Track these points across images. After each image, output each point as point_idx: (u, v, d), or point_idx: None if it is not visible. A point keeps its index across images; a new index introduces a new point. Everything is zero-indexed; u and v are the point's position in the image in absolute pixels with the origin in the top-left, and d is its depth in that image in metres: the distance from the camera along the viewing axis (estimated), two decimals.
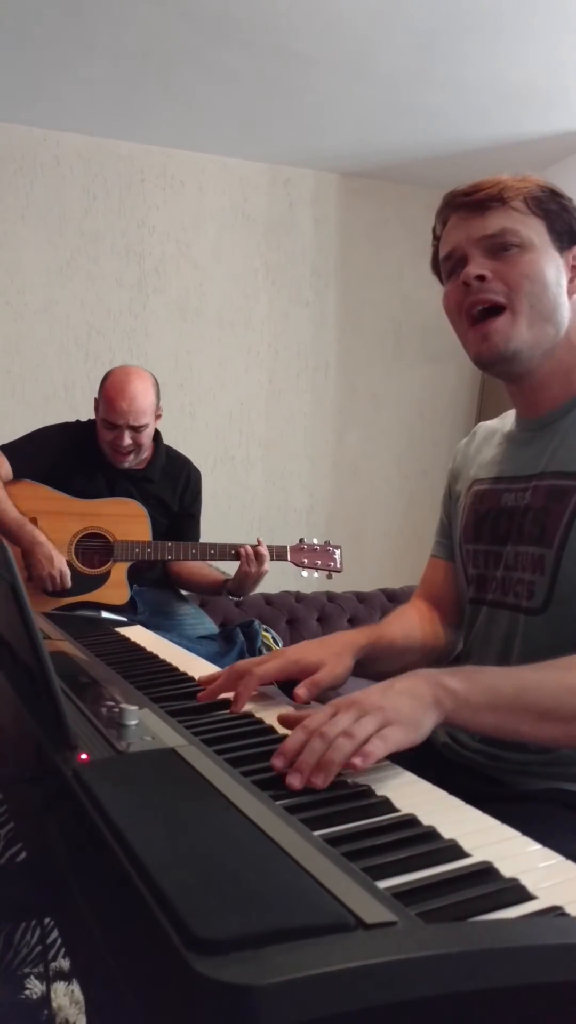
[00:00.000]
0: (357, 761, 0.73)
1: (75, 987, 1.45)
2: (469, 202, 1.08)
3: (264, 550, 2.35)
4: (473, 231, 1.07)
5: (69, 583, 2.30)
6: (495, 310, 1.05)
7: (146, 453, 2.46)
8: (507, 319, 1.05)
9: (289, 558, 2.46)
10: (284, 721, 0.90)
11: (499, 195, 1.06)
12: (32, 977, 1.46)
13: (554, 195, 1.08)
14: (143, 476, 2.47)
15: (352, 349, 3.82)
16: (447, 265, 1.12)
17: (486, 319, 1.06)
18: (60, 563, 2.29)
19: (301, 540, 2.51)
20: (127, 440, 2.33)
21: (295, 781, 0.73)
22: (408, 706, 0.80)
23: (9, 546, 2.30)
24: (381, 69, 2.80)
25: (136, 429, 2.34)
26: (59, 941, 1.34)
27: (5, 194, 3.28)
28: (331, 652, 1.04)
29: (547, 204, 1.07)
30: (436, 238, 1.15)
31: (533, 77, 2.84)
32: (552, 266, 1.06)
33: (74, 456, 2.42)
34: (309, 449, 3.80)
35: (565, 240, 1.08)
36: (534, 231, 1.05)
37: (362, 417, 3.87)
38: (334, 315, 3.79)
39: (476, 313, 1.07)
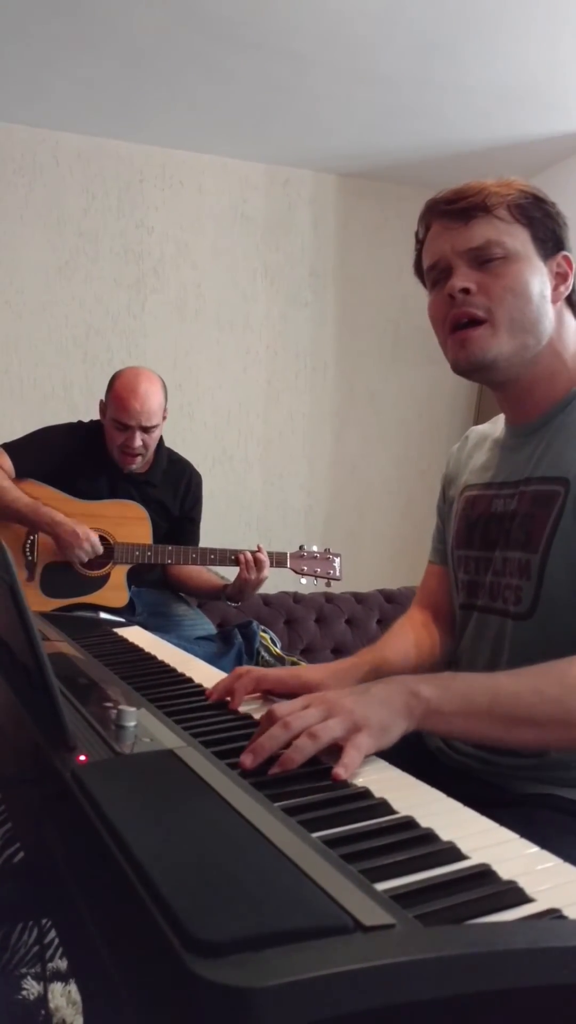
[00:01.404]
0: (340, 771, 0.75)
1: (72, 987, 1.45)
2: (452, 210, 1.07)
3: (264, 557, 2.35)
4: (457, 242, 1.06)
5: (100, 548, 2.31)
6: (477, 321, 1.06)
7: (150, 456, 2.46)
8: (487, 330, 1.05)
9: (289, 565, 2.46)
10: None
11: (483, 203, 1.05)
12: (29, 977, 1.46)
13: (538, 201, 1.07)
14: (145, 480, 2.46)
15: (350, 350, 3.82)
16: (431, 275, 1.12)
17: (466, 327, 1.06)
18: (85, 533, 2.28)
19: (301, 547, 2.50)
20: (138, 441, 2.33)
21: (247, 760, 0.76)
22: (377, 712, 0.82)
23: (14, 547, 2.31)
24: (381, 70, 2.80)
25: (147, 430, 2.33)
26: (56, 941, 1.34)
27: (4, 194, 3.28)
28: (333, 676, 1.06)
29: (531, 212, 1.06)
30: (419, 242, 1.15)
31: (533, 78, 2.84)
32: (536, 276, 1.05)
33: (77, 457, 2.42)
34: (307, 449, 3.80)
35: (549, 248, 1.07)
36: (519, 240, 1.05)
37: (360, 418, 3.88)
38: (333, 316, 3.79)
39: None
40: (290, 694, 1.02)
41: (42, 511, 2.28)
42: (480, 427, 1.30)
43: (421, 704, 0.84)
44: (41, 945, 1.41)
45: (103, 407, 2.40)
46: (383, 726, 0.81)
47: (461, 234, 1.06)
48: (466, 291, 1.05)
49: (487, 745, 0.96)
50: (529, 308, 1.05)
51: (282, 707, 0.83)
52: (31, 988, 1.45)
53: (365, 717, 0.80)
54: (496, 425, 1.24)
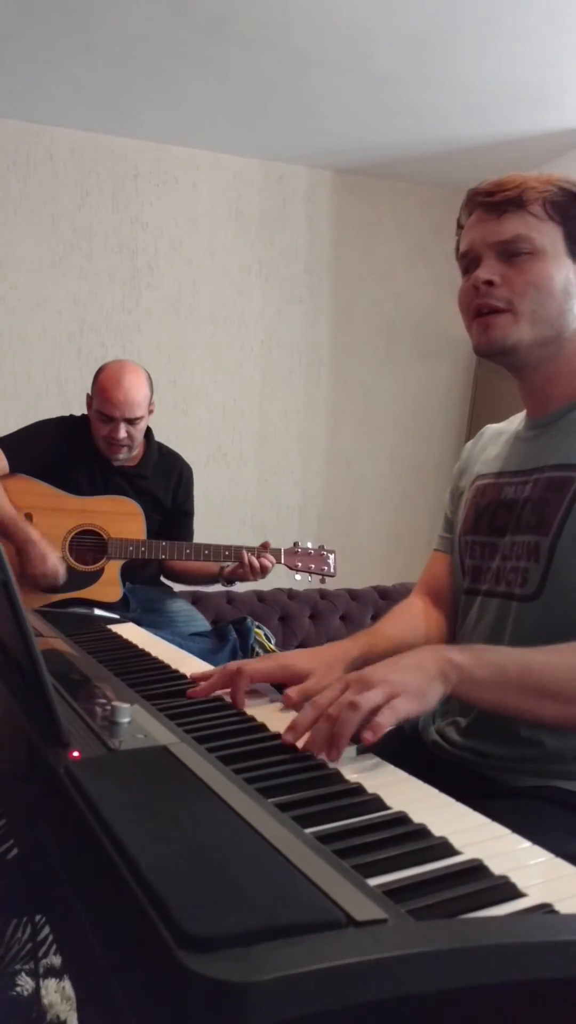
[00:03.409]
0: (367, 735, 0.77)
1: (66, 984, 1.45)
2: (489, 203, 1.10)
3: (269, 563, 2.35)
4: (488, 234, 1.09)
5: (61, 581, 2.30)
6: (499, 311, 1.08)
7: (138, 449, 2.46)
8: (508, 318, 1.07)
9: (283, 561, 2.46)
10: (288, 700, 0.95)
11: (518, 198, 1.07)
12: (23, 974, 1.46)
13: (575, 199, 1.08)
14: (136, 472, 2.47)
15: (345, 346, 3.82)
16: (463, 262, 1.15)
17: (489, 314, 1.08)
18: (53, 561, 2.28)
19: (295, 543, 2.50)
20: (122, 433, 2.33)
21: (288, 737, 0.81)
22: (414, 678, 0.84)
23: (3, 543, 2.31)
24: (377, 66, 2.80)
25: (131, 422, 2.34)
26: (50, 938, 1.34)
27: None
28: (322, 663, 1.06)
29: (567, 209, 1.08)
30: (460, 228, 1.17)
31: (529, 75, 2.84)
32: (562, 274, 1.07)
33: (68, 451, 2.42)
34: (302, 446, 3.80)
35: None
36: (548, 238, 1.07)
37: (355, 414, 3.88)
38: (327, 312, 3.78)
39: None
40: (280, 686, 1.04)
41: (20, 526, 2.28)
42: (495, 425, 1.33)
43: (455, 669, 0.86)
44: (35, 941, 1.41)
45: (89, 400, 2.41)
46: (421, 690, 0.83)
47: (493, 227, 1.09)
48: (490, 283, 1.07)
49: (512, 716, 0.97)
50: (551, 303, 1.07)
51: (324, 696, 0.85)
52: (25, 984, 1.45)
53: (403, 683, 0.82)
54: (511, 423, 1.27)
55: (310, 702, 0.85)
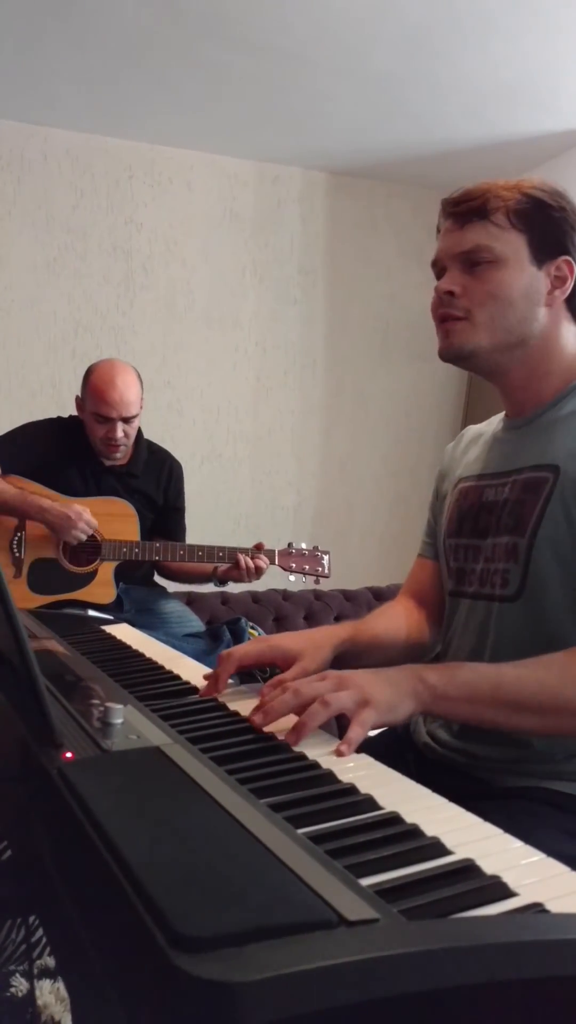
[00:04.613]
0: (343, 748, 0.81)
1: (60, 985, 1.45)
2: (454, 212, 1.12)
3: (264, 564, 2.36)
4: (452, 244, 1.11)
5: (95, 522, 2.31)
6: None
7: (131, 447, 2.47)
8: (466, 325, 1.09)
9: (277, 562, 2.46)
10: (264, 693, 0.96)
11: (481, 208, 1.08)
12: (17, 975, 1.46)
13: (542, 206, 1.09)
14: (127, 471, 2.47)
15: (339, 348, 3.83)
16: (434, 270, 1.16)
17: (450, 320, 1.11)
18: (76, 512, 2.28)
19: (290, 544, 2.50)
20: (119, 432, 2.33)
21: (257, 718, 0.85)
22: (386, 692, 0.88)
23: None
24: (372, 67, 2.80)
25: (127, 420, 2.34)
26: (44, 939, 1.34)
27: None
28: (311, 644, 1.08)
29: (532, 217, 1.08)
30: (439, 232, 1.18)
31: (523, 77, 2.84)
32: (523, 281, 1.08)
33: (60, 452, 2.42)
34: (296, 447, 3.80)
35: (548, 252, 1.09)
36: (510, 246, 1.08)
37: (349, 415, 3.88)
38: (322, 313, 3.79)
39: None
40: (271, 665, 1.08)
41: (30, 500, 2.28)
42: (475, 426, 1.34)
43: (428, 689, 0.90)
44: (28, 943, 1.41)
45: (80, 402, 2.41)
46: (390, 705, 0.87)
47: (456, 237, 1.11)
48: (451, 293, 1.10)
49: (488, 729, 0.98)
50: (511, 311, 1.08)
51: (296, 680, 0.89)
52: (19, 985, 1.45)
53: (375, 693, 0.86)
54: (491, 424, 1.28)
55: (282, 685, 0.89)
